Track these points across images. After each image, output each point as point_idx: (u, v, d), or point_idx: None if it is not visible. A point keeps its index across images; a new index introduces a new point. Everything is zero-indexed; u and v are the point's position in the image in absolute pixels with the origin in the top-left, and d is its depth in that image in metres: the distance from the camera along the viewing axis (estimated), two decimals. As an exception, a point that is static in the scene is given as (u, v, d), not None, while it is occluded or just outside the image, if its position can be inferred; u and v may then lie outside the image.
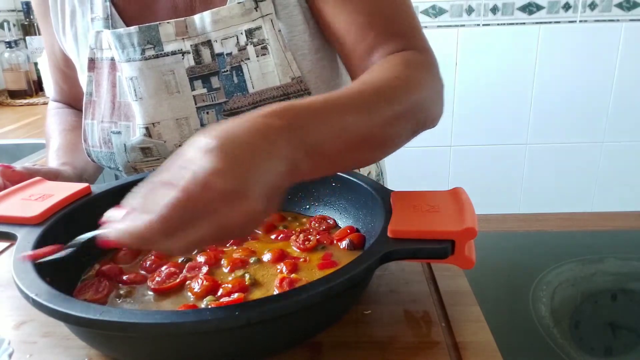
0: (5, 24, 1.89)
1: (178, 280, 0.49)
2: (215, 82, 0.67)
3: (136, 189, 0.40)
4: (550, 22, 2.00)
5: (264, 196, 0.37)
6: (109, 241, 0.38)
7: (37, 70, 1.86)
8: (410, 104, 0.53)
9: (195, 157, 0.37)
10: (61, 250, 0.47)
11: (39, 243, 0.49)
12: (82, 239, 0.47)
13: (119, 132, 0.70)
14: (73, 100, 0.89)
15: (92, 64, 0.71)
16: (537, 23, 2.00)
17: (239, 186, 0.36)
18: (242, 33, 0.65)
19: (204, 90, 0.67)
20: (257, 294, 0.49)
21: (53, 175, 0.66)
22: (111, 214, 0.41)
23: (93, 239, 0.45)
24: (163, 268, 0.52)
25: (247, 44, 0.65)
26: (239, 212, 0.36)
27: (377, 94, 0.50)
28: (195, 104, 0.67)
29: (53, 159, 0.77)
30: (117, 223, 0.38)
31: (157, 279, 0.50)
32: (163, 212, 0.35)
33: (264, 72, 0.66)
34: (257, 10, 0.64)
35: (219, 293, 0.49)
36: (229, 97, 0.66)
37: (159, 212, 0.35)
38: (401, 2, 0.65)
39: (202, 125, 0.67)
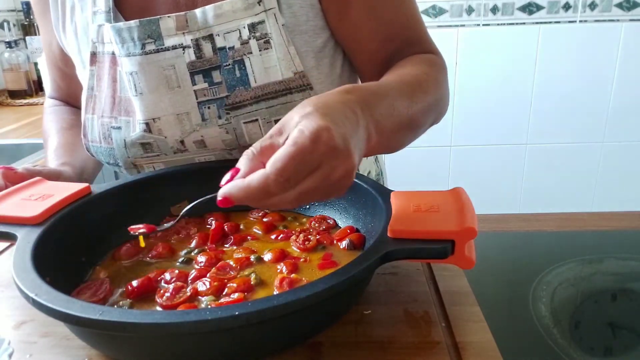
0: (5, 24, 1.89)
1: (188, 294, 0.48)
2: (216, 76, 0.66)
3: (247, 152, 0.43)
4: (550, 22, 2.00)
5: (360, 157, 0.43)
6: (227, 199, 0.41)
7: (37, 70, 1.86)
8: (435, 97, 0.61)
9: (298, 120, 0.41)
10: (165, 224, 0.55)
11: (39, 243, 0.49)
12: (196, 203, 0.53)
13: (119, 128, 0.70)
14: (70, 98, 0.89)
15: (94, 57, 0.71)
16: (537, 23, 2.00)
17: (343, 144, 0.40)
18: (244, 27, 0.65)
19: (205, 85, 0.67)
20: (261, 294, 0.49)
21: (55, 177, 0.66)
22: (227, 177, 0.43)
23: (210, 200, 0.48)
24: (169, 283, 0.51)
25: (249, 38, 0.65)
26: (343, 167, 0.40)
27: (416, 84, 0.58)
28: (197, 99, 0.67)
29: (52, 159, 0.77)
30: (232, 182, 0.41)
31: (167, 294, 0.48)
32: (278, 164, 0.38)
33: (267, 66, 0.66)
34: (260, 5, 0.65)
35: (224, 292, 0.49)
36: (231, 91, 0.66)
37: (273, 165, 0.39)
38: (415, 10, 0.71)
39: (204, 120, 0.67)
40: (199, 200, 0.53)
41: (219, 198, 0.42)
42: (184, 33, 0.66)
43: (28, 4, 1.90)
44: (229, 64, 0.66)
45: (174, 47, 0.66)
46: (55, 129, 0.83)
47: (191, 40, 0.66)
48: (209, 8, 0.65)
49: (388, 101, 0.51)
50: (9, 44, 1.80)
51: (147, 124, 0.68)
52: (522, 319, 0.61)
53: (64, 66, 0.82)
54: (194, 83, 0.67)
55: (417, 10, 0.71)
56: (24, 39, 1.92)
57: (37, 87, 1.88)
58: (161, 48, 0.66)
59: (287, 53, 0.65)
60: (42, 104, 1.74)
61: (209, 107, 0.67)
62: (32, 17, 1.92)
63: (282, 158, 0.39)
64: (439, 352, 0.44)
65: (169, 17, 0.65)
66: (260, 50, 0.65)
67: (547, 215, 0.81)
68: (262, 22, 0.65)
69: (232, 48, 0.66)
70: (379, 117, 0.48)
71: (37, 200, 0.56)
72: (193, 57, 0.66)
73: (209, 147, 0.69)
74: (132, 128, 0.69)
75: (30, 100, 1.80)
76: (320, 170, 0.39)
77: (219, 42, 0.66)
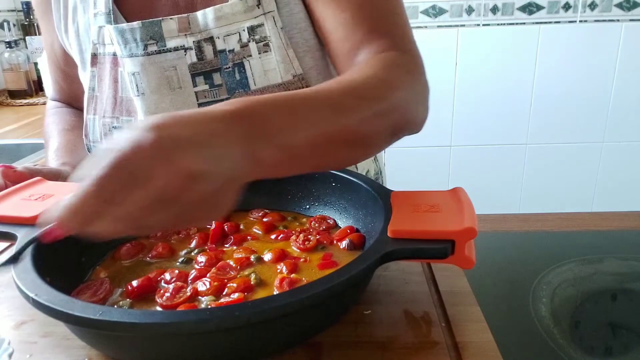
0: (5, 24, 1.89)
1: (188, 294, 0.48)
2: (217, 78, 0.67)
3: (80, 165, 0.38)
4: (550, 22, 2.00)
5: (227, 170, 0.36)
6: (51, 230, 0.36)
7: (37, 70, 1.86)
8: (387, 104, 0.52)
9: (134, 130, 0.35)
10: None
11: (39, 243, 0.49)
12: (18, 249, 0.46)
13: (120, 128, 0.70)
14: (72, 99, 0.89)
15: (95, 59, 0.71)
16: (537, 23, 2.00)
17: (172, 145, 0.34)
18: (244, 30, 0.65)
19: (206, 87, 0.67)
20: (261, 294, 0.49)
21: (54, 176, 0.66)
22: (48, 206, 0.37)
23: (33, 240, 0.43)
24: (169, 283, 0.51)
25: (249, 41, 0.65)
26: (177, 175, 0.34)
27: (350, 91, 0.49)
28: (197, 100, 0.67)
29: (53, 159, 0.77)
30: (55, 206, 0.36)
31: (167, 294, 0.48)
32: (97, 173, 0.34)
33: (266, 69, 0.66)
34: (259, 7, 0.65)
35: (224, 292, 0.49)
36: (231, 93, 0.67)
37: (93, 175, 0.34)
38: (391, 2, 0.64)
39: None
40: (21, 247, 0.47)
41: (43, 226, 0.36)
42: (186, 35, 0.66)
43: (28, 4, 1.90)
44: (229, 67, 0.66)
45: (176, 49, 0.66)
46: (57, 130, 0.83)
47: (193, 42, 0.66)
48: (209, 10, 0.65)
49: (295, 111, 0.44)
50: (9, 44, 1.80)
51: None
52: (522, 319, 0.61)
53: (66, 66, 0.82)
54: (195, 84, 0.67)
55: (395, 4, 0.64)
56: (24, 39, 1.92)
57: (37, 87, 1.88)
58: (163, 49, 0.66)
59: (286, 56, 0.66)
60: (42, 104, 1.74)
61: None
62: (32, 17, 1.92)
63: (103, 167, 0.34)
64: (439, 352, 0.44)
65: (171, 19, 0.66)
66: (259, 53, 0.66)
67: (547, 215, 0.81)
68: (261, 25, 0.65)
69: (232, 51, 0.66)
70: (277, 129, 0.41)
71: (37, 200, 0.56)
72: (194, 59, 0.66)
73: None
74: None
75: (30, 100, 1.80)
76: (151, 181, 0.34)
77: (219, 45, 0.66)
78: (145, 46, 0.66)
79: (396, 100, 0.53)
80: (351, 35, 0.62)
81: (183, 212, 0.36)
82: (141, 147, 0.34)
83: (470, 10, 2.01)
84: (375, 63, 0.57)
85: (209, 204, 0.36)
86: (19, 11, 2.01)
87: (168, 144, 0.34)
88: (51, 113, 0.88)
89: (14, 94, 1.83)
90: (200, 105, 0.67)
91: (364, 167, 0.86)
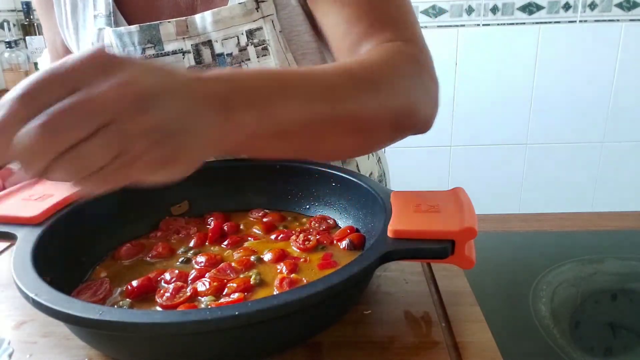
0: (5, 24, 1.89)
1: (188, 294, 0.48)
2: None
3: None
4: (550, 22, 2.00)
5: (186, 111, 0.32)
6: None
7: (37, 70, 1.86)
8: (389, 90, 0.49)
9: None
10: None
11: (39, 243, 0.49)
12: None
13: None
14: None
15: None
16: (537, 23, 2.00)
17: (128, 60, 0.32)
18: (242, 33, 0.65)
19: None
20: (261, 294, 0.49)
21: None
22: None
23: None
24: (169, 283, 0.51)
25: (247, 45, 0.65)
26: (115, 80, 0.30)
27: (347, 73, 0.47)
28: None
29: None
30: None
31: (167, 294, 0.48)
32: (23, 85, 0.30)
33: None
34: (258, 11, 0.65)
35: (224, 292, 0.49)
36: None
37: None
38: None
39: None
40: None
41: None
42: (184, 38, 0.66)
43: (28, 4, 1.90)
44: None
45: (174, 52, 0.66)
46: None
47: (191, 45, 0.66)
48: (207, 14, 0.65)
49: (285, 85, 0.41)
50: (9, 44, 1.80)
51: None
52: (522, 319, 0.61)
53: None
54: None
55: None
56: (24, 39, 1.92)
57: (37, 87, 1.88)
58: (161, 53, 0.66)
59: (284, 60, 0.66)
60: (42, 104, 1.74)
61: None
62: (32, 17, 1.92)
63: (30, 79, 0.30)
64: (439, 352, 0.44)
65: (169, 22, 0.66)
66: (258, 57, 0.65)
67: (547, 215, 0.81)
68: (259, 28, 0.65)
69: (230, 54, 0.66)
70: (263, 98, 0.39)
71: (37, 200, 0.56)
72: (193, 63, 0.66)
73: None
74: None
75: (30, 100, 1.80)
76: (81, 90, 0.30)
77: (217, 49, 0.66)
78: (143, 50, 0.66)
79: (399, 87, 0.51)
80: (353, 28, 0.60)
81: (131, 144, 0.31)
82: (88, 57, 0.30)
83: (470, 10, 2.01)
84: (378, 50, 0.55)
85: (165, 145, 0.32)
86: (19, 11, 2.01)
87: (125, 60, 0.31)
88: None
89: (14, 94, 1.83)
90: None
91: (367, 169, 0.86)
